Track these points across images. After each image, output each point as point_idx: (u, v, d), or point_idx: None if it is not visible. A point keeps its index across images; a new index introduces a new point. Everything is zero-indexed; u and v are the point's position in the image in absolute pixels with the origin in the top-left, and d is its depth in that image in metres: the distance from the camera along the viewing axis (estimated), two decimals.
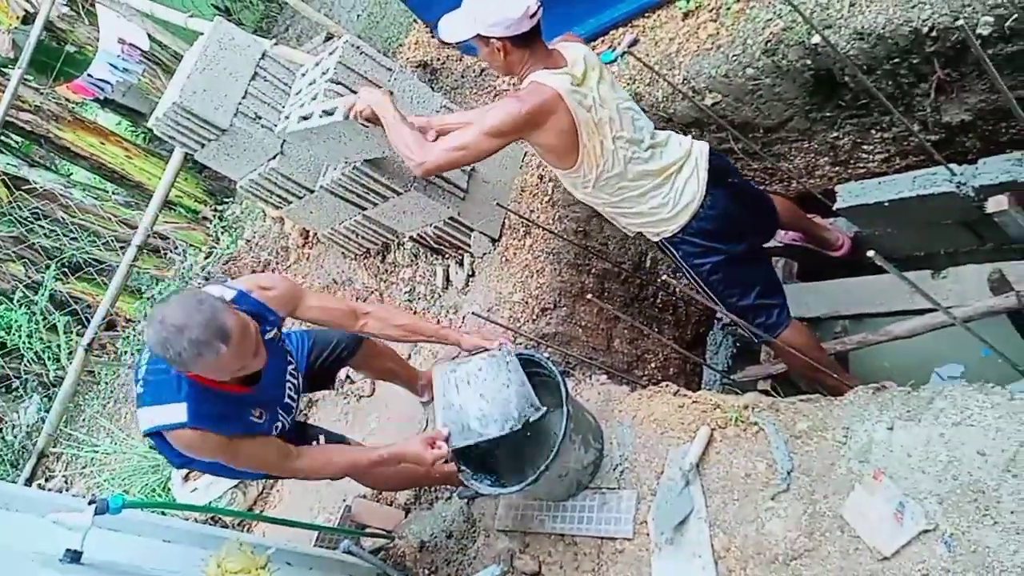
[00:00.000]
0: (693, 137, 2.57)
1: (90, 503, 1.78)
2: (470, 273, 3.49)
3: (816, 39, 2.68)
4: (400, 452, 2.30)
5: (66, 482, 4.93)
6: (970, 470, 1.73)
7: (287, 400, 2.31)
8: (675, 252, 2.55)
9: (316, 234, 4.25)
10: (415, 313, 3.69)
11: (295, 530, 2.93)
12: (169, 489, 3.97)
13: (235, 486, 3.64)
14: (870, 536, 1.81)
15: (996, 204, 2.65)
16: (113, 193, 5.86)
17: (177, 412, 1.98)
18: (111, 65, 5.06)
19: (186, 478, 3.77)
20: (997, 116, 2.78)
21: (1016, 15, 2.25)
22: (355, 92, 2.75)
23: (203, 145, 3.55)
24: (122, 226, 5.55)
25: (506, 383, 2.26)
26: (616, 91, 2.40)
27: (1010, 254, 2.91)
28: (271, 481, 3.79)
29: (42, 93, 5.27)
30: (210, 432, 2.04)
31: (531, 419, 2.23)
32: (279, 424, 2.27)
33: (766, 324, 2.60)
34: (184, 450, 2.09)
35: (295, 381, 2.38)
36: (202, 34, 3.53)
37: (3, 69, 5.33)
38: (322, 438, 2.56)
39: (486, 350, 2.35)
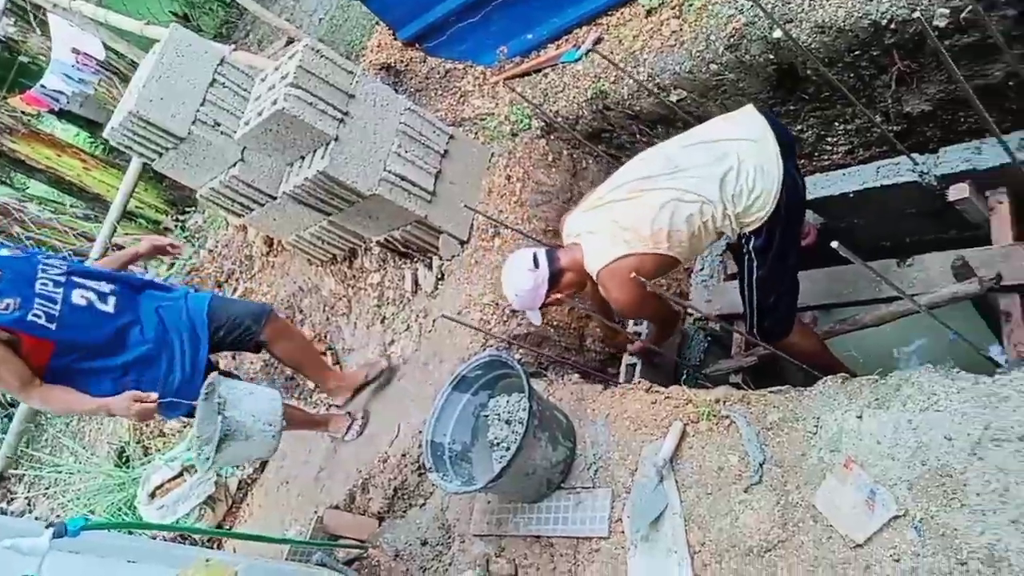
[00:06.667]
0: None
1: (48, 526, 1.72)
2: (439, 276, 3.44)
3: (778, 33, 2.70)
4: (106, 405, 2.51)
5: (29, 504, 4.78)
6: (937, 455, 1.74)
7: (41, 290, 2.46)
8: (746, 244, 2.40)
9: (280, 241, 4.18)
10: (383, 321, 3.64)
11: (266, 545, 2.87)
12: (135, 507, 3.87)
13: (203, 502, 3.56)
14: (842, 524, 1.81)
15: (957, 192, 2.68)
16: (71, 206, 5.74)
17: None
18: (65, 76, 4.93)
19: (152, 495, 3.68)
20: (955, 106, 2.82)
21: (970, 7, 2.28)
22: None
23: (161, 154, 3.47)
24: (80, 239, 5.43)
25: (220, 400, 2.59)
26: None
27: (972, 241, 2.95)
28: (240, 495, 3.71)
29: None
30: None
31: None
32: (42, 311, 2.43)
33: (772, 330, 2.55)
34: None
35: (49, 281, 2.50)
36: (158, 41, 3.45)
37: None
38: (215, 373, 2.73)
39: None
